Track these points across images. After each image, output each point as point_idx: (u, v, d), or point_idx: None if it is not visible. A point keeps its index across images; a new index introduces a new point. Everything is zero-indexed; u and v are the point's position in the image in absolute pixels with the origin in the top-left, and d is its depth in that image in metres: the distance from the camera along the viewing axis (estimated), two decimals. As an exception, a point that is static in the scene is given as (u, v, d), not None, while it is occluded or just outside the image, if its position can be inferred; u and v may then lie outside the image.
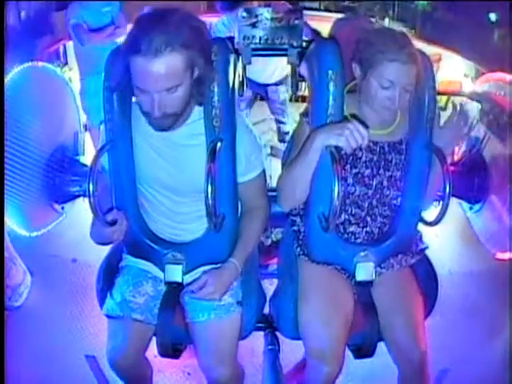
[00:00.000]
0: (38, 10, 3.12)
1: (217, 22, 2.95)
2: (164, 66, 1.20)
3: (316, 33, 2.64)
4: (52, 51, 3.26)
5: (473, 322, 2.17)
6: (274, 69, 3.27)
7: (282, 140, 3.72)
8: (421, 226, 1.56)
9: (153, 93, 1.23)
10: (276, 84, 3.39)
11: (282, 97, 3.49)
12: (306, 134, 1.41)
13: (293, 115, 3.49)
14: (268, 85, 3.38)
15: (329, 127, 1.34)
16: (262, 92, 3.46)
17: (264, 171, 1.51)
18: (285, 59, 2.02)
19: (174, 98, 1.25)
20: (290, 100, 4.11)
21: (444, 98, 3.20)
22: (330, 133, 1.32)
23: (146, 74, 1.21)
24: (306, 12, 2.03)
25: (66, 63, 3.35)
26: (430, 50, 3.30)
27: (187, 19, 1.25)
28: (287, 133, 3.65)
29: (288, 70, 3.25)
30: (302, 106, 1.59)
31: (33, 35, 3.03)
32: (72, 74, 2.86)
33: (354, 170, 1.47)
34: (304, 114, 1.50)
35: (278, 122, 3.66)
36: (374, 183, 1.48)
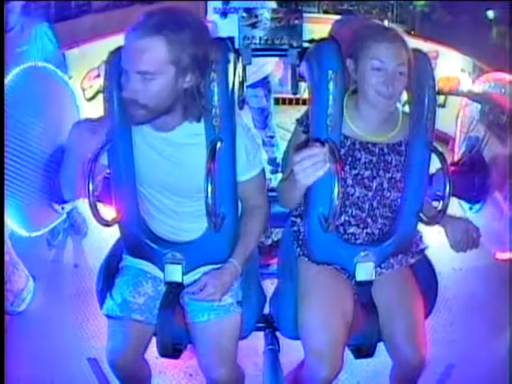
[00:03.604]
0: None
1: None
2: (145, 47, 1.20)
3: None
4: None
5: (477, 318, 2.18)
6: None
7: (273, 170, 3.01)
8: (422, 225, 1.56)
9: (129, 73, 1.23)
10: (252, 86, 2.75)
11: (262, 103, 2.80)
12: (302, 143, 1.40)
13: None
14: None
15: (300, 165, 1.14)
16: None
17: (263, 170, 1.51)
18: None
19: (148, 88, 1.24)
20: (291, 103, 3.99)
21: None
22: (304, 173, 1.14)
23: (127, 51, 1.23)
24: (305, 15, 2.03)
25: (66, 72, 3.33)
26: (427, 47, 3.32)
27: (196, 25, 1.26)
28: (275, 159, 3.01)
29: (268, 70, 2.87)
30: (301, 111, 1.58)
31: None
32: (72, 83, 2.85)
33: (354, 172, 1.47)
34: (299, 121, 1.50)
35: (262, 142, 2.91)
36: (374, 185, 1.48)
